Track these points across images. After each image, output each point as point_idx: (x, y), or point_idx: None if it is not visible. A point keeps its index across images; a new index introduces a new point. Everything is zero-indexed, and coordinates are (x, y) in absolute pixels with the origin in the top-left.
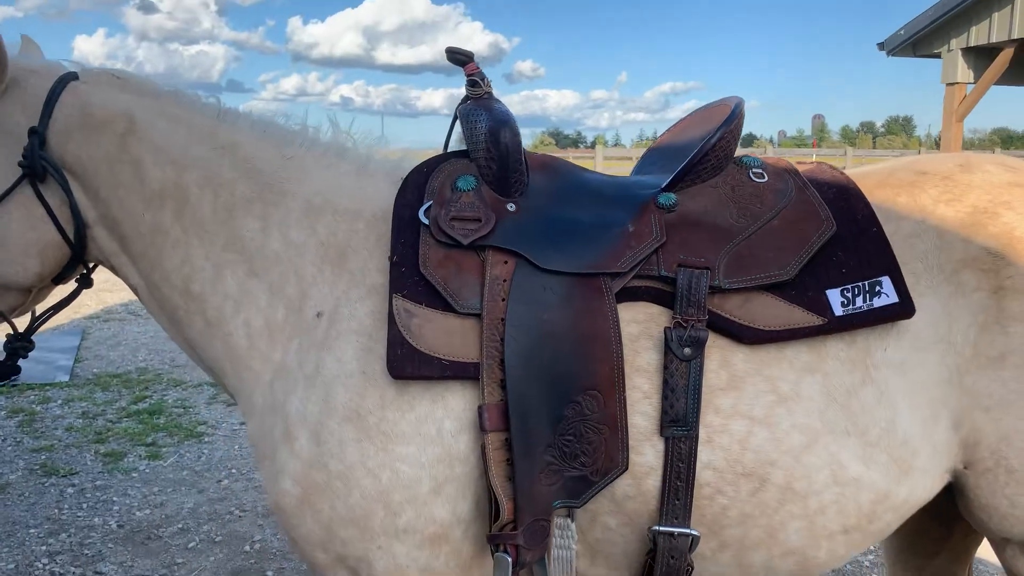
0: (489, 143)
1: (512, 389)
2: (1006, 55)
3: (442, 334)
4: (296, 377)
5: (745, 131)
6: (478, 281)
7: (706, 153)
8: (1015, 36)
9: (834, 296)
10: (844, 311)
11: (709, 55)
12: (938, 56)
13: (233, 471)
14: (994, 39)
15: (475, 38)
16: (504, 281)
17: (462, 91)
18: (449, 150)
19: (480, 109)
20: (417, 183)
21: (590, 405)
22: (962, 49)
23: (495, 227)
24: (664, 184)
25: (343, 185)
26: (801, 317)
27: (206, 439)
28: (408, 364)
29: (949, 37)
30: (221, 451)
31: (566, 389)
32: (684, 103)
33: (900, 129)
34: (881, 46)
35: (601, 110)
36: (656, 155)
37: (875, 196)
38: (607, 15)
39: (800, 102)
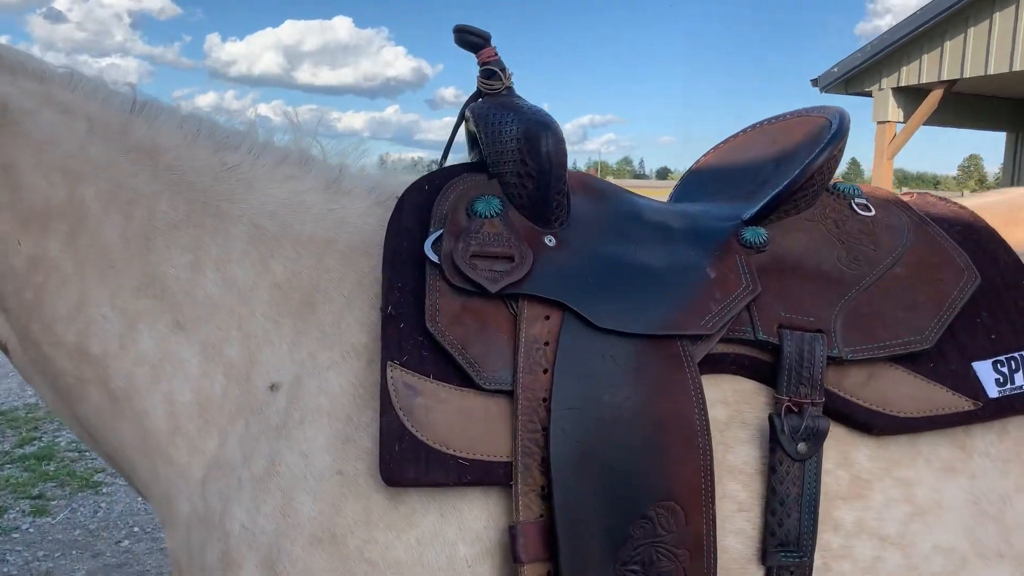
0: (524, 153)
1: (560, 501)
2: (935, 96)
3: (459, 420)
4: (240, 477)
5: (659, 164)
6: (509, 344)
7: (811, 176)
8: (944, 78)
9: (984, 371)
10: (1000, 391)
11: (629, 88)
12: (869, 95)
13: (135, 529)
14: (924, 80)
15: (398, 63)
16: (546, 344)
17: (387, 115)
18: (449, 163)
19: (504, 109)
20: (417, 205)
21: (666, 521)
22: (893, 88)
23: (532, 268)
24: (748, 215)
25: (307, 205)
26: (946, 399)
27: (104, 490)
28: (410, 464)
29: (881, 76)
30: (122, 504)
31: (633, 499)
32: (603, 135)
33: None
34: (815, 82)
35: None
36: (704, 178)
37: (1011, 237)
38: (529, 44)
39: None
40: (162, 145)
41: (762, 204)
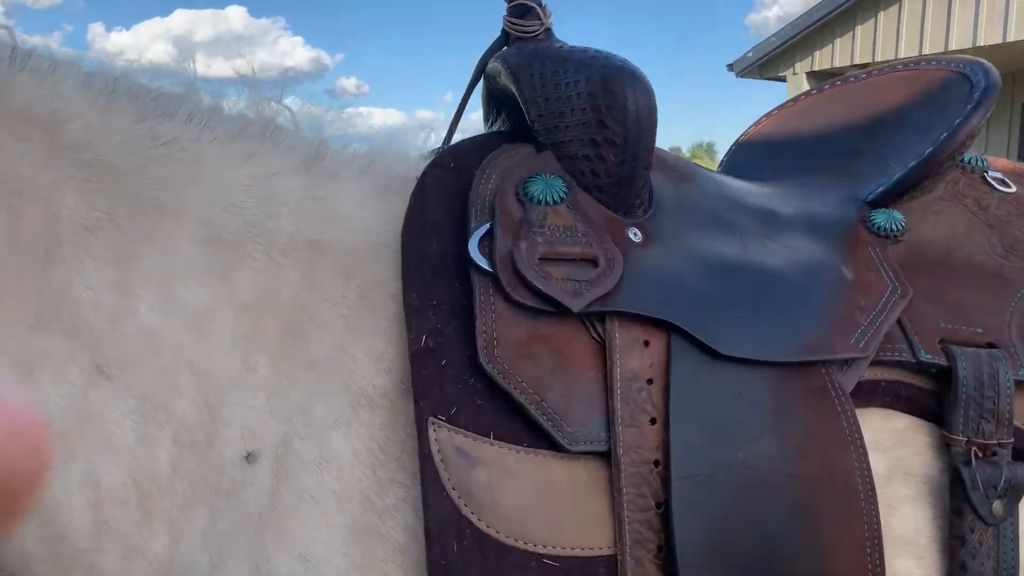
0: (603, 112)
1: None
2: None
3: (537, 499)
4: None
5: None
6: (598, 384)
7: (964, 142)
8: (856, 61)
9: None
10: None
11: None
12: (784, 79)
13: None
14: (836, 64)
15: (296, 53)
16: (649, 383)
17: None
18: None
19: (557, 56)
20: (446, 189)
21: None
22: (807, 73)
23: (624, 275)
24: (871, 195)
25: (281, 193)
26: None
27: None
28: (474, 570)
29: (794, 61)
30: None
31: None
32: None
33: (703, 154)
34: (731, 67)
35: (427, 130)
36: (760, 151)
37: None
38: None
39: None
40: (62, 112)
41: (897, 178)
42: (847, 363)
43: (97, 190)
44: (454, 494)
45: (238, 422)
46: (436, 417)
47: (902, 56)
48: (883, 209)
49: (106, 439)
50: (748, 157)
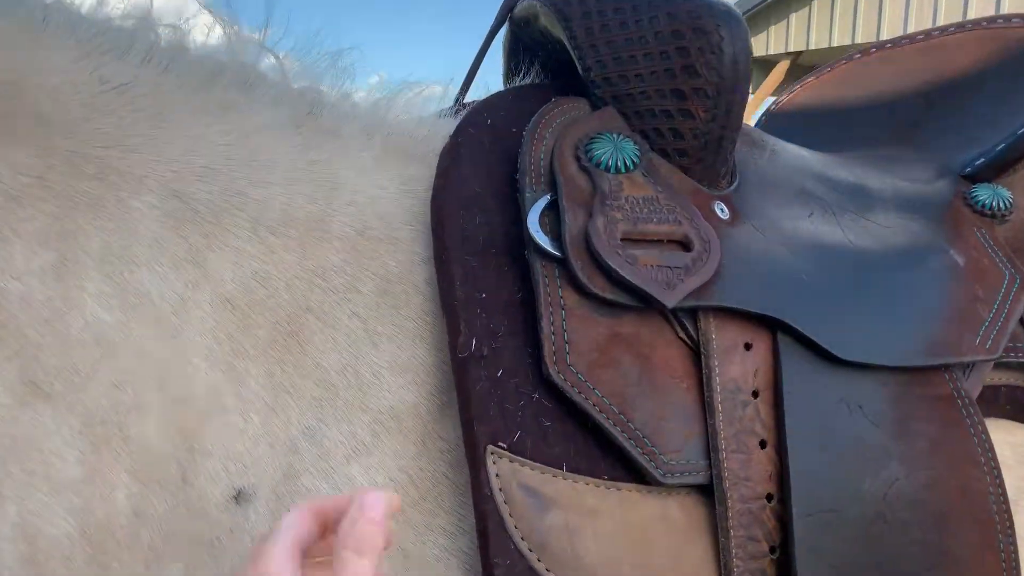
0: (694, 56)
1: None
2: (782, 67)
3: (626, 545)
4: None
5: None
6: (692, 399)
7: None
8: (791, 49)
9: None
10: None
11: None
12: None
13: None
14: (771, 51)
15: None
16: (754, 396)
17: None
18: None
19: None
20: (486, 151)
21: None
22: None
23: (721, 262)
24: (968, 166)
25: (267, 155)
26: None
27: None
28: None
29: None
30: None
31: None
32: None
33: None
34: None
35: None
36: (796, 121)
37: None
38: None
39: None
40: None
41: (1002, 147)
42: (969, 365)
43: (26, 149)
44: (524, 546)
45: (222, 451)
46: (496, 445)
47: (835, 45)
48: (985, 184)
49: (44, 475)
50: (783, 128)
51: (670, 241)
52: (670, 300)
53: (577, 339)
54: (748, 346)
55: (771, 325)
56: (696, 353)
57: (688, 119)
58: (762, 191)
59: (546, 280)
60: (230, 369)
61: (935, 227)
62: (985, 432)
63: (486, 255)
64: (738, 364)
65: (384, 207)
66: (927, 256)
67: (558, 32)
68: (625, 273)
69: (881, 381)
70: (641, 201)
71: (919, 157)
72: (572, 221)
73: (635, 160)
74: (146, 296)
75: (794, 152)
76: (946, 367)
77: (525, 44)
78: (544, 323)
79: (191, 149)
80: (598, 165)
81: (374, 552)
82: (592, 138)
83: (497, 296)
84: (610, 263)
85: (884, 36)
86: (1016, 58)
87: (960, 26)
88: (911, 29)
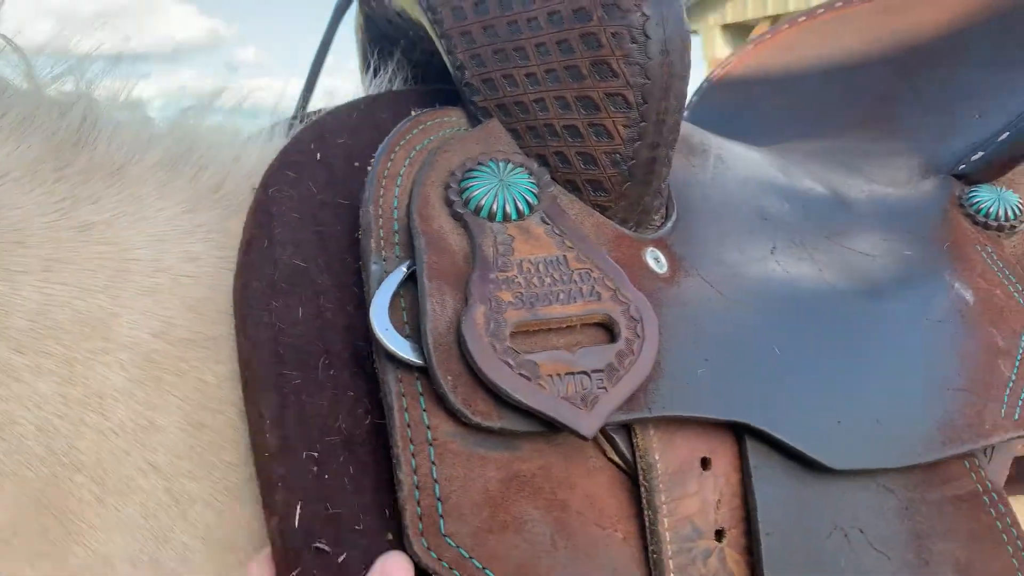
0: (606, 43)
1: None
2: (760, 30)
3: None
4: None
5: None
6: (632, 553)
7: None
8: (769, 13)
9: None
10: None
11: None
12: (697, 33)
13: None
14: (750, 16)
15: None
16: (717, 538)
17: (182, 81)
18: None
19: None
20: (317, 200)
21: None
22: (720, 26)
23: (661, 350)
24: (961, 164)
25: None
26: None
27: None
28: None
29: (707, 14)
30: None
31: None
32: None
33: None
34: None
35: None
36: (738, 98)
37: None
38: None
39: None
40: None
41: (1007, 136)
42: (992, 447)
43: None
44: None
45: None
46: None
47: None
48: (986, 186)
49: None
50: (726, 102)
51: (585, 325)
52: (588, 428)
53: (455, 492)
54: (706, 463)
55: (736, 426)
56: (634, 480)
57: (603, 138)
58: (710, 223)
59: (404, 402)
60: None
61: (931, 251)
62: (1021, 537)
63: (314, 367)
64: (694, 495)
65: (196, 290)
66: (929, 296)
67: (417, 13)
68: (520, 396)
69: (887, 487)
70: (541, 267)
71: (895, 147)
72: (437, 311)
73: (530, 201)
74: None
75: (743, 156)
76: (968, 454)
77: (383, 34)
78: (404, 471)
79: None
80: (478, 212)
81: None
82: (469, 169)
83: (332, 432)
84: (496, 381)
85: None
86: (1003, 14)
87: None
88: None
